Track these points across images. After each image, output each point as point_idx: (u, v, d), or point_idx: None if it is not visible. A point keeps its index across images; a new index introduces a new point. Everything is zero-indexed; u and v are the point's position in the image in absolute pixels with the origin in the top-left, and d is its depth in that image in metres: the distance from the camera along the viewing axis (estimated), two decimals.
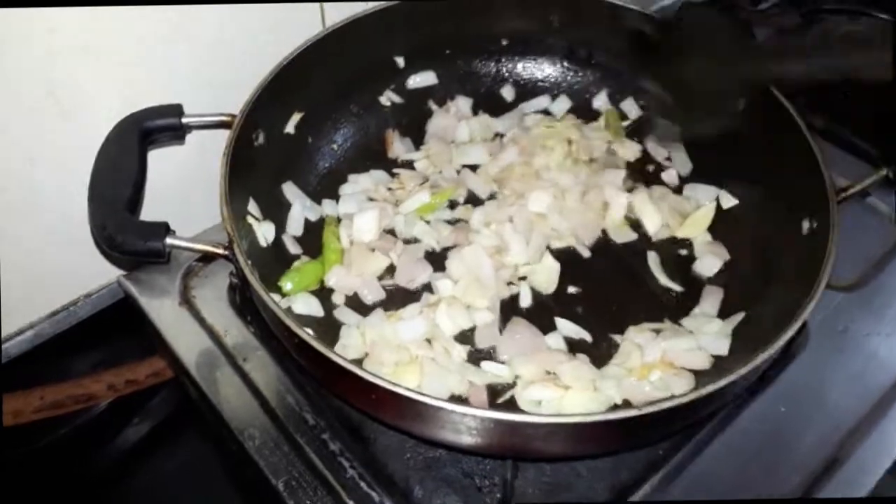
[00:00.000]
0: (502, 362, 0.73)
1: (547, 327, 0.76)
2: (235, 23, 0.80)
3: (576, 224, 0.84)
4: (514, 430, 0.57)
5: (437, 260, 0.81)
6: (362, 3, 0.86)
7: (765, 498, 0.68)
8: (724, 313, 0.77)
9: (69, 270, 0.83)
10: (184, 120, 0.74)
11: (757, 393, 0.74)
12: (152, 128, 0.73)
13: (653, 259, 0.83)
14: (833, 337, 0.79)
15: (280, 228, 0.82)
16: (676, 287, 0.81)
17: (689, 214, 0.85)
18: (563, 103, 0.97)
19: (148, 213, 0.74)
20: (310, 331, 0.61)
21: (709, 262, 0.82)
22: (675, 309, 0.79)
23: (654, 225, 0.85)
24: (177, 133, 0.75)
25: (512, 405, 0.70)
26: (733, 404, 0.73)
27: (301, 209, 0.84)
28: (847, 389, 0.75)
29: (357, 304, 0.78)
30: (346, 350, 0.73)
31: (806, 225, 0.74)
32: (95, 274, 0.85)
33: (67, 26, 0.69)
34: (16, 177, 0.74)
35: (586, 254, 0.83)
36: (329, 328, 0.76)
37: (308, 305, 0.76)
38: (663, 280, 0.81)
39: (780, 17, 1.10)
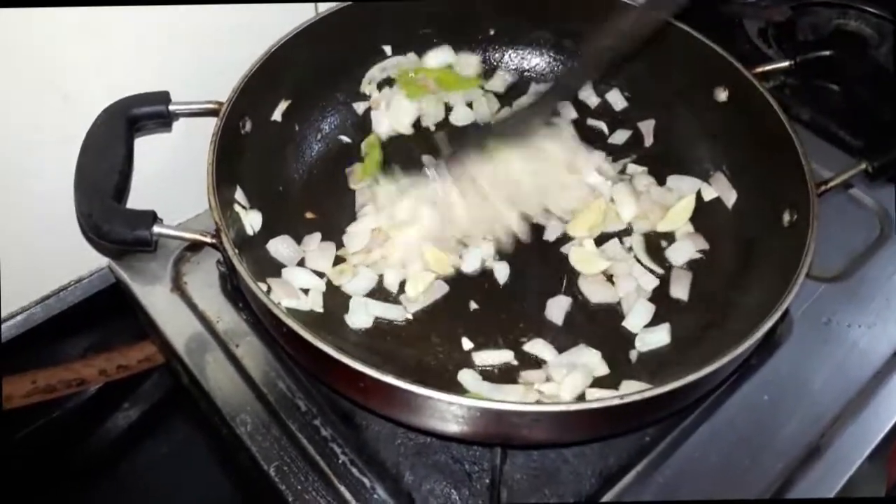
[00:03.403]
0: None
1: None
2: (227, 11, 0.79)
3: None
4: (499, 419, 0.58)
5: None
6: None
7: (751, 498, 0.69)
8: (704, 303, 0.78)
9: (60, 255, 0.83)
10: (171, 107, 0.73)
11: (741, 382, 0.75)
12: (139, 115, 0.72)
13: (637, 243, 0.83)
14: (816, 327, 0.80)
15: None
16: (658, 269, 0.81)
17: (671, 207, 0.85)
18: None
19: (135, 201, 0.73)
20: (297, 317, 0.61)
21: (684, 249, 0.82)
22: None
23: (629, 213, 0.84)
24: (164, 120, 0.74)
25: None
26: (718, 392, 0.74)
27: None
28: (829, 379, 0.76)
29: None
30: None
31: (787, 217, 0.74)
32: (86, 259, 0.84)
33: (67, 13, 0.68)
34: (11, 162, 0.73)
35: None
36: (317, 319, 0.75)
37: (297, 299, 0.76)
38: (646, 262, 0.81)
39: (770, 10, 1.09)
